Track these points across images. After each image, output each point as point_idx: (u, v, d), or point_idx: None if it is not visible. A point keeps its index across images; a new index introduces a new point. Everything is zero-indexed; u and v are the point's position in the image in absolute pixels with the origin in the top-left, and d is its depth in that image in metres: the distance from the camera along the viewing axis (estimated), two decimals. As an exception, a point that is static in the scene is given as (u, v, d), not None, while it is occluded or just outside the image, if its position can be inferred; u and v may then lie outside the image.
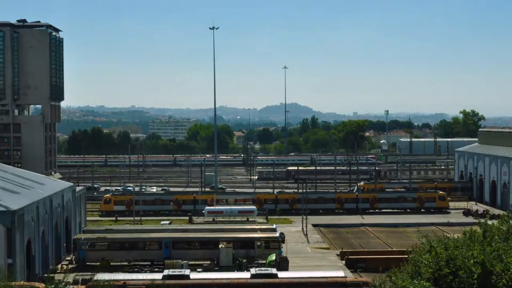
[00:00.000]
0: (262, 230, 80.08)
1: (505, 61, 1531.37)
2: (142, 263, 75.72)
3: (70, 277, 63.72)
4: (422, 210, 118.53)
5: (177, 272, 59.80)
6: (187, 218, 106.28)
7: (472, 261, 43.14)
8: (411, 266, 47.64)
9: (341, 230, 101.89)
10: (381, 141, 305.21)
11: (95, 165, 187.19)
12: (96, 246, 76.03)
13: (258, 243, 75.77)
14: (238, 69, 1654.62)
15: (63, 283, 50.96)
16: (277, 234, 78.74)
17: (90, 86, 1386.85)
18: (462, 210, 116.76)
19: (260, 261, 73.63)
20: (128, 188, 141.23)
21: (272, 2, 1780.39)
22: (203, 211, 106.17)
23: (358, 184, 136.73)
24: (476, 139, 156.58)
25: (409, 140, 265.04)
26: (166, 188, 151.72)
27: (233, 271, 66.64)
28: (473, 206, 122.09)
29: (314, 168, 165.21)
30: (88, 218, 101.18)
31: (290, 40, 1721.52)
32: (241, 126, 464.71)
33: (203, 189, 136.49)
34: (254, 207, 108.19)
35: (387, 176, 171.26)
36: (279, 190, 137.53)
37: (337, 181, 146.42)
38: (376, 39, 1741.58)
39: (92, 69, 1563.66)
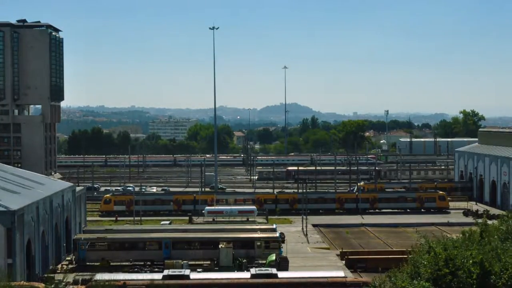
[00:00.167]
0: (262, 230, 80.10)
1: (505, 61, 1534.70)
2: (142, 263, 75.73)
3: (70, 277, 63.85)
4: (422, 210, 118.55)
5: (177, 272, 59.84)
6: (187, 218, 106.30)
7: (471, 261, 43.23)
8: (410, 266, 47.72)
9: (341, 230, 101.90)
10: (381, 141, 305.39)
11: (95, 165, 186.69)
12: (96, 246, 76.03)
13: (258, 243, 75.78)
14: (238, 69, 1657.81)
15: (63, 283, 51.10)
16: (277, 234, 78.75)
17: (90, 86, 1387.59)
18: (462, 210, 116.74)
19: (260, 261, 73.64)
20: (128, 188, 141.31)
21: (272, 2, 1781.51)
22: (203, 211, 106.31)
23: (358, 184, 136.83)
24: (476, 139, 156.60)
25: (409, 140, 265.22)
26: (166, 188, 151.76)
27: (233, 271, 66.67)
28: (473, 206, 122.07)
29: (314, 168, 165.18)
30: (88, 218, 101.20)
31: (290, 40, 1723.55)
32: (241, 126, 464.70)
33: (203, 189, 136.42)
34: (254, 207, 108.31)
35: (387, 176, 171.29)
36: (279, 190, 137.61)
37: (337, 181, 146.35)
38: (376, 39, 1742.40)
39: (92, 69, 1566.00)
